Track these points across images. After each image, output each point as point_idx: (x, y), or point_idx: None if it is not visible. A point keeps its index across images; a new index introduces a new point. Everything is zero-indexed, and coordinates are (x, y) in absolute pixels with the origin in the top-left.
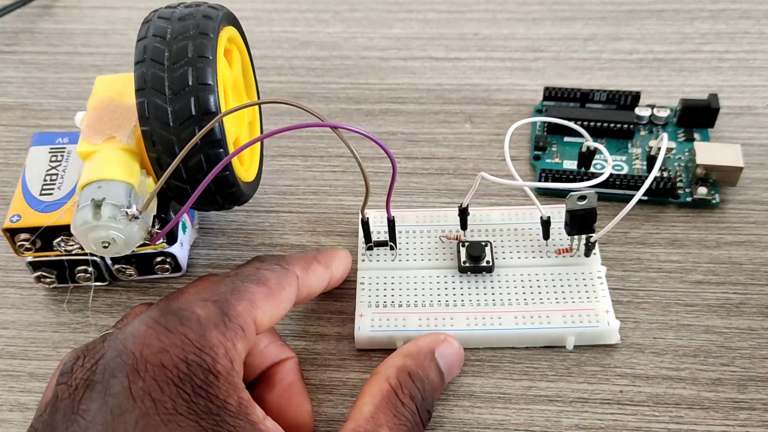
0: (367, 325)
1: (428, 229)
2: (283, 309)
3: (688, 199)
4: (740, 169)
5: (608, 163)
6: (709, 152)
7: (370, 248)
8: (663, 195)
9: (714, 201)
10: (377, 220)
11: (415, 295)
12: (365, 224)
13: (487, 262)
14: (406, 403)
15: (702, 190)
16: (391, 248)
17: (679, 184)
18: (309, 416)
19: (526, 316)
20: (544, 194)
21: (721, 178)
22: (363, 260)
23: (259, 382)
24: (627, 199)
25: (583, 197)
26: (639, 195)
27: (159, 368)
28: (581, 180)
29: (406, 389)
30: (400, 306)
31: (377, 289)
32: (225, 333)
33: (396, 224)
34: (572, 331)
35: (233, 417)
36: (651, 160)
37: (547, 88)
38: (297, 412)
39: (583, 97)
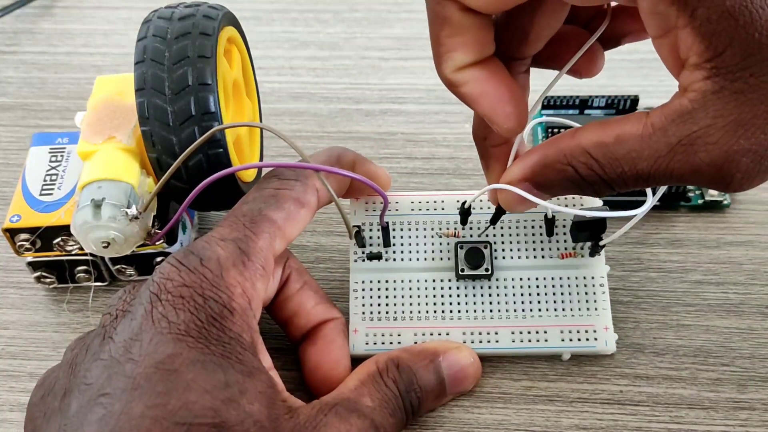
0: (362, 342)
1: (424, 220)
2: (301, 227)
3: (699, 201)
4: None
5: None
6: None
7: (362, 247)
8: (675, 199)
9: (726, 202)
10: (370, 208)
11: (410, 305)
12: (357, 234)
13: (486, 269)
14: (388, 384)
15: (714, 192)
16: (386, 247)
17: (689, 187)
18: (346, 372)
19: (523, 331)
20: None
21: None
22: (356, 260)
23: (304, 340)
24: (635, 205)
25: (593, 209)
26: (653, 201)
27: (177, 298)
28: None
29: (391, 374)
30: (395, 319)
31: (371, 297)
32: (243, 273)
33: (390, 213)
34: (569, 349)
35: (244, 349)
36: None
37: (546, 97)
38: (334, 365)
39: (582, 103)
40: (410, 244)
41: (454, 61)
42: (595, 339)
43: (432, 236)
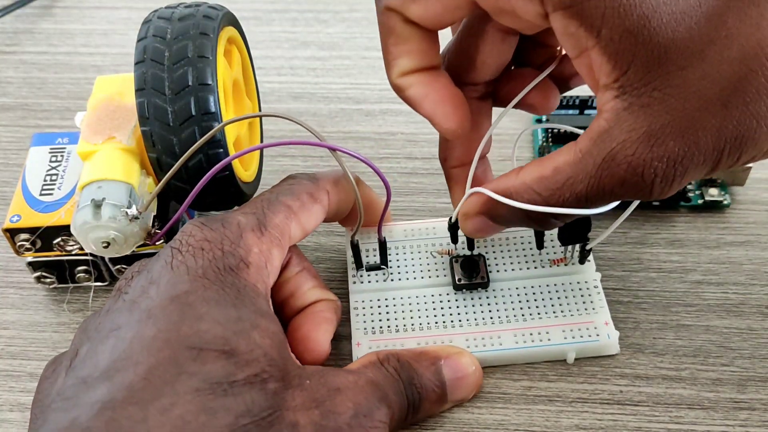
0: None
1: (418, 243)
2: (315, 221)
3: (699, 201)
4: (749, 168)
5: None
6: None
7: (360, 269)
8: (675, 199)
9: (725, 202)
10: (365, 238)
11: (411, 318)
12: (355, 247)
13: (482, 277)
14: (389, 371)
15: (713, 192)
16: (383, 264)
17: (689, 186)
18: (324, 335)
19: (525, 333)
20: None
21: (729, 178)
22: (354, 282)
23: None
24: (639, 204)
25: None
26: (635, 204)
27: (198, 249)
28: None
29: (392, 363)
30: (397, 330)
31: (371, 314)
32: (261, 238)
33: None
34: (573, 346)
35: (257, 295)
36: None
37: None
38: (313, 327)
39: (582, 103)
40: (406, 264)
41: (399, 67)
42: (597, 335)
43: (427, 256)
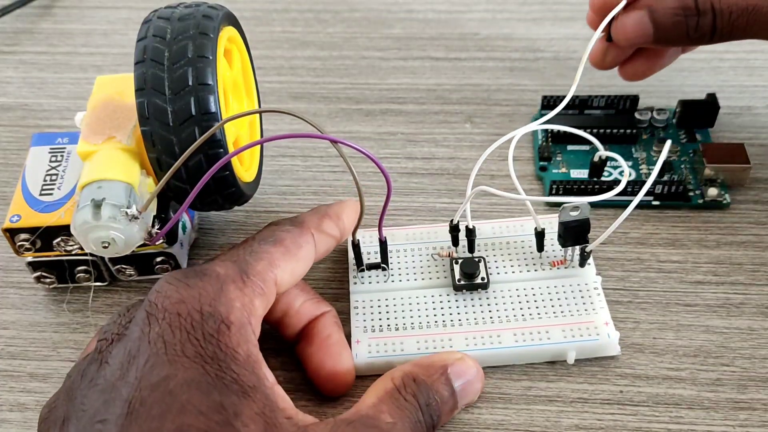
0: (364, 351)
1: (419, 247)
2: (303, 266)
3: (699, 201)
4: (749, 168)
5: (625, 174)
6: (717, 153)
7: (362, 270)
8: (675, 199)
9: (725, 202)
10: (367, 239)
11: (411, 317)
12: (356, 247)
13: (482, 278)
14: (408, 400)
15: (713, 192)
16: (383, 269)
17: (689, 186)
18: (348, 364)
19: (525, 332)
20: (547, 203)
21: (729, 177)
22: (355, 283)
23: (299, 340)
24: (639, 204)
25: (576, 208)
26: (633, 205)
27: (174, 316)
28: (593, 190)
29: (410, 389)
30: (397, 329)
31: (372, 313)
32: (243, 289)
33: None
34: (573, 345)
35: (239, 365)
36: (665, 165)
37: (545, 97)
38: (336, 360)
39: (582, 103)
40: (407, 266)
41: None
42: (597, 334)
43: (428, 259)
